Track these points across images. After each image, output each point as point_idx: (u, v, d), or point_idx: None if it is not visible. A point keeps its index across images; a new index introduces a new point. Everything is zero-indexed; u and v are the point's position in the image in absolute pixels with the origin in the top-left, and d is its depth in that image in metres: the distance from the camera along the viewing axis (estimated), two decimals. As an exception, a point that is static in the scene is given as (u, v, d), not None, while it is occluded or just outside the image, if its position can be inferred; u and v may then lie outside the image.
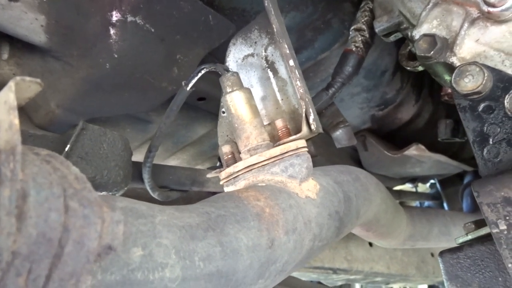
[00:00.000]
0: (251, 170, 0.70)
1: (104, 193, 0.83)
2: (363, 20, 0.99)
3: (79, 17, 0.88)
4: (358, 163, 1.78)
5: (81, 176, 0.30)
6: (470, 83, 0.64)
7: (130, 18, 0.89)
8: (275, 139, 0.76)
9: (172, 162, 1.66)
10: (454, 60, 0.70)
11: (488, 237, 0.54)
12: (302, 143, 0.70)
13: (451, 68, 0.73)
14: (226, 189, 0.76)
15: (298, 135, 0.68)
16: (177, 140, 1.50)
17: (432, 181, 2.74)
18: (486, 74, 0.63)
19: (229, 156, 0.78)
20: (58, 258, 0.25)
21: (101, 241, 0.28)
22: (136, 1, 0.87)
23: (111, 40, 0.91)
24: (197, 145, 1.58)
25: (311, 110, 0.67)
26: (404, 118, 1.55)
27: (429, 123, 1.67)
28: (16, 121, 0.26)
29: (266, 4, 0.71)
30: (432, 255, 2.18)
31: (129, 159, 0.89)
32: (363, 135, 1.55)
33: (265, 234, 0.55)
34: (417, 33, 0.76)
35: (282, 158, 0.69)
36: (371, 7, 0.99)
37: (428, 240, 1.51)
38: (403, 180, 2.27)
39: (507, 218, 0.50)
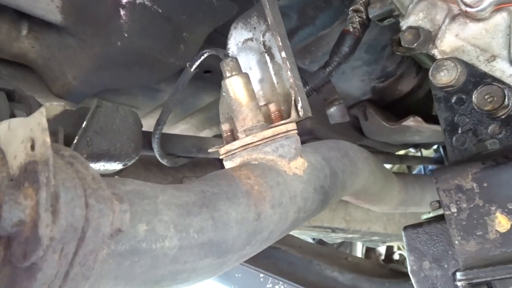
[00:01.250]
0: (246, 148, 0.79)
1: (117, 163, 0.93)
2: (361, 2, 1.03)
3: (91, -2, 0.94)
4: (360, 130, 1.85)
5: (97, 176, 0.39)
6: (445, 77, 0.70)
7: (138, 0, 0.95)
8: (270, 119, 0.84)
9: (182, 126, 1.76)
10: (435, 52, 0.76)
11: (443, 217, 0.63)
12: (292, 126, 0.78)
13: (432, 59, 0.78)
14: (225, 163, 0.86)
15: (288, 120, 0.76)
16: (186, 107, 1.59)
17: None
18: (459, 70, 0.69)
19: (228, 133, 0.87)
20: (82, 240, 0.34)
21: (112, 227, 0.37)
22: (144, -16, 0.93)
23: (121, 21, 0.98)
24: (205, 111, 1.67)
25: (299, 98, 0.75)
26: (404, 90, 1.60)
27: (430, 93, 1.71)
28: (48, 139, 0.35)
29: (261, -2, 0.76)
30: (429, 217, 2.29)
31: (139, 132, 0.98)
32: (363, 105, 1.61)
33: (252, 208, 0.65)
34: (404, 24, 0.81)
35: (274, 139, 0.77)
36: (370, -12, 1.03)
37: (421, 205, 1.60)
38: (405, 146, 2.33)
39: (458, 202, 0.58)
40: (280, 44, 0.75)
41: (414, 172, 3.14)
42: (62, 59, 1.12)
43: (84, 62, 1.11)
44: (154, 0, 0.96)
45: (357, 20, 1.04)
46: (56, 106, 0.37)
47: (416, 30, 0.76)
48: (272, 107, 0.80)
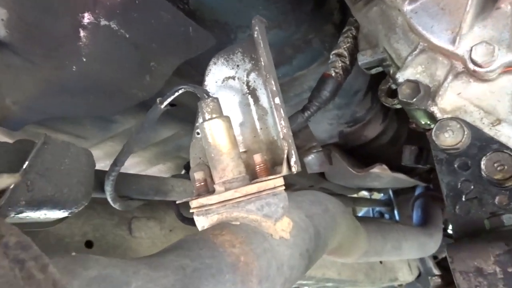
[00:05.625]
0: (225, 205, 0.68)
1: (63, 210, 0.77)
2: (345, 46, 0.98)
3: (46, 15, 0.80)
4: (321, 173, 1.80)
5: (58, 280, 0.27)
6: (449, 138, 0.65)
7: (103, 22, 0.82)
8: (250, 168, 0.74)
9: (133, 159, 1.60)
10: (435, 110, 0.71)
11: (455, 299, 0.56)
12: (280, 181, 0.68)
13: (430, 115, 0.73)
14: (196, 218, 0.73)
15: (277, 175, 0.66)
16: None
17: (385, 188, 2.83)
18: (465, 132, 0.64)
19: (202, 183, 0.75)
20: None
21: None
22: (112, 5, 0.81)
23: (80, 43, 0.84)
24: (161, 145, 1.53)
25: (293, 151, 0.65)
26: (370, 136, 1.57)
27: (392, 140, 1.71)
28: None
29: (255, 36, 0.67)
30: (381, 262, 2.27)
31: (92, 174, 0.83)
32: (328, 149, 1.56)
33: (239, 287, 0.54)
34: (400, 76, 0.76)
35: (259, 196, 0.67)
36: (354, 33, 0.98)
37: (381, 255, 1.56)
38: (360, 189, 2.33)
39: (478, 288, 0.51)
40: (274, 89, 0.67)
41: (362, 213, 3.14)
42: (1, 79, 0.95)
43: (28, 85, 0.94)
44: (122, 24, 0.84)
45: (340, 65, 0.99)
46: None
47: (415, 84, 0.71)
48: (257, 158, 0.70)
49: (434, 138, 0.66)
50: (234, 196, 0.67)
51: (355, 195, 2.51)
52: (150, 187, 1.10)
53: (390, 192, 2.80)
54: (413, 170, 1.93)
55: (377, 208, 2.98)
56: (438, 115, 0.70)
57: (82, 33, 0.83)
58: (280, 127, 0.67)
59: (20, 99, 0.96)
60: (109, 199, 0.96)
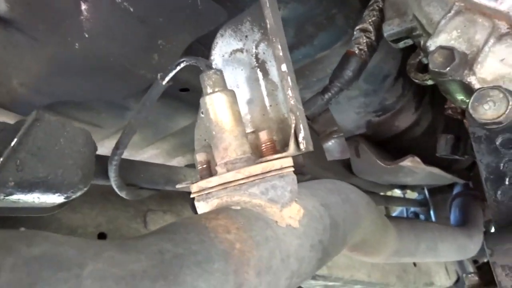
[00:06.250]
0: (226, 188, 0.60)
1: (57, 194, 0.72)
2: (370, 20, 0.89)
3: (46, -13, 0.76)
4: (348, 167, 1.70)
5: None
6: (490, 110, 0.55)
7: (105, -6, 0.77)
8: (258, 151, 0.66)
9: (151, 151, 1.56)
10: (473, 80, 0.60)
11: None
12: (288, 161, 0.60)
13: (467, 87, 0.63)
14: (197, 204, 0.66)
15: (283, 153, 0.58)
16: (157, 130, 1.39)
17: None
18: (510, 103, 0.54)
19: (204, 166, 0.68)
20: None
21: None
22: (114, -25, 0.75)
23: (81, 17, 0.79)
24: (179, 136, 1.47)
25: (301, 126, 0.57)
26: (401, 126, 1.46)
27: (426, 132, 1.58)
28: None
29: (260, -5, 0.60)
30: (415, 264, 2.13)
31: (91, 156, 0.77)
32: (356, 141, 1.45)
33: (231, 278, 0.46)
34: (432, 43, 0.66)
35: (263, 178, 0.59)
36: (380, 6, 0.88)
37: (415, 255, 1.44)
38: (392, 186, 2.19)
39: (526, 288, 0.41)
40: (281, 54, 0.58)
41: (395, 214, 2.98)
42: (8, 59, 0.92)
43: (34, 64, 0.91)
44: (125, -4, 0.78)
45: (364, 41, 0.89)
46: None
47: (449, 52, 0.61)
48: (263, 135, 0.62)
49: (471, 111, 0.56)
50: (235, 177, 0.59)
51: (387, 193, 2.37)
52: (161, 175, 1.04)
53: (426, 191, 2.64)
54: (450, 166, 1.79)
55: (412, 209, 2.82)
56: (477, 86, 0.60)
57: (83, 6, 0.78)
58: (287, 98, 0.58)
59: (26, 80, 0.93)
60: (114, 186, 0.91)
